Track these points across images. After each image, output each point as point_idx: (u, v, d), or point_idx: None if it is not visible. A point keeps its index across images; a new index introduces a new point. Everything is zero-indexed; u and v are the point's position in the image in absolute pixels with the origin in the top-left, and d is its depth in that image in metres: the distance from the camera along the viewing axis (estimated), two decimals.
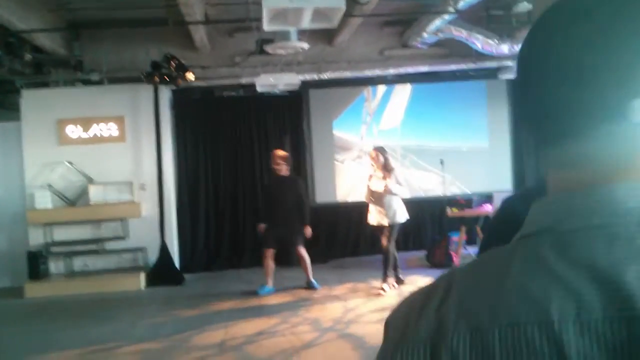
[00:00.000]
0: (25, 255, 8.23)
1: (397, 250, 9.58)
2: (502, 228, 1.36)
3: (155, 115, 8.50)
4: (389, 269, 7.03)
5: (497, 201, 8.32)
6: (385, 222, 6.94)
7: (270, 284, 7.40)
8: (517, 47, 8.00)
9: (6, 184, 8.83)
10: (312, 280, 7.47)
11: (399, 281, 7.30)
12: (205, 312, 6.73)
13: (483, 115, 10.13)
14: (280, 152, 7.58)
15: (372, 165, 7.07)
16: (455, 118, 9.96)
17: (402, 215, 7.01)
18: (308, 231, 7.36)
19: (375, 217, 7.05)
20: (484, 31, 8.06)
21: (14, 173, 8.70)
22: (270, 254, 7.32)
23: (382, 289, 6.98)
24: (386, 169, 6.98)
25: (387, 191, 6.85)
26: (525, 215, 1.33)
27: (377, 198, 6.97)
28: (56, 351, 5.53)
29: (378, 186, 6.94)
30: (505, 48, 8.28)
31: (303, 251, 7.37)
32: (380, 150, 7.12)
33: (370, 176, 7.10)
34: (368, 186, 7.11)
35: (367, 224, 7.26)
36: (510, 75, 8.76)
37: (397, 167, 7.30)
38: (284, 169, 7.41)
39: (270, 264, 7.36)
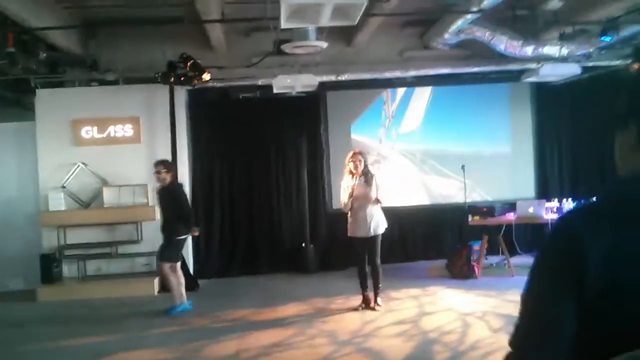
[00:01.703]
0: (38, 258, 8.12)
1: (411, 260, 9.39)
2: (561, 253, 1.13)
3: (171, 116, 8.35)
4: (380, 282, 6.64)
5: (520, 209, 8.05)
6: (369, 234, 6.48)
7: (180, 301, 6.91)
8: (542, 49, 7.83)
9: (20, 185, 8.76)
10: (175, 305, 6.85)
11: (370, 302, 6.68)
12: (219, 320, 6.55)
13: (506, 119, 9.87)
14: (160, 160, 7.10)
15: (352, 170, 6.48)
16: (476, 122, 9.73)
17: (383, 226, 6.59)
18: (194, 233, 7.18)
19: (357, 228, 6.54)
20: (508, 32, 7.79)
21: (28, 174, 8.61)
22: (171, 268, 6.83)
23: (377, 304, 6.63)
24: (366, 175, 6.53)
25: (375, 200, 6.42)
26: (589, 238, 1.08)
27: (359, 207, 6.49)
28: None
29: (361, 193, 6.47)
30: (529, 50, 8.00)
31: (166, 268, 6.80)
32: (361, 154, 6.61)
33: (354, 184, 6.46)
34: (349, 193, 6.48)
35: (347, 237, 6.70)
36: (534, 78, 8.46)
37: (376, 173, 6.75)
38: (166, 178, 6.89)
39: (173, 279, 6.85)
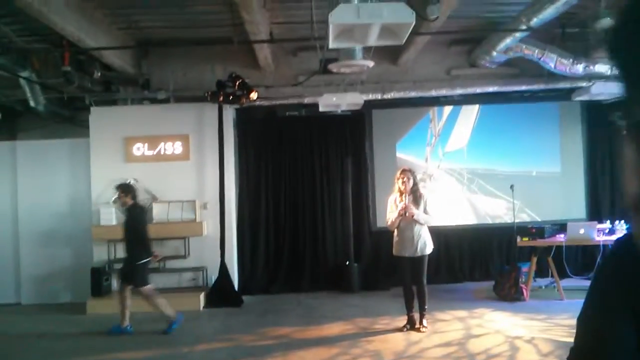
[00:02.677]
0: (89, 271, 8.33)
1: (457, 281, 9.21)
2: (618, 280, 1.10)
3: (219, 134, 8.51)
4: (426, 303, 6.55)
5: (571, 231, 7.83)
6: (416, 254, 6.39)
7: (124, 324, 6.90)
8: (593, 67, 7.67)
9: (73, 200, 9.01)
10: (121, 325, 6.86)
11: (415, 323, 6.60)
12: (263, 338, 6.56)
13: (555, 138, 9.67)
14: (118, 185, 7.10)
15: (401, 187, 6.39)
16: (525, 141, 9.56)
17: (430, 246, 6.47)
18: (155, 258, 7.02)
19: (403, 247, 6.45)
20: (558, 50, 7.67)
21: (82, 189, 8.87)
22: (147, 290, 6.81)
23: (423, 325, 6.54)
24: (415, 194, 6.46)
25: (416, 219, 6.32)
26: None
27: (406, 226, 6.41)
28: None
29: (402, 213, 6.37)
30: (580, 68, 7.84)
31: (147, 290, 6.80)
32: (410, 171, 6.51)
33: (399, 200, 6.42)
34: (398, 212, 6.40)
35: (392, 256, 6.63)
36: (585, 97, 8.28)
37: (427, 194, 6.66)
38: (126, 202, 6.87)
39: (157, 300, 6.84)
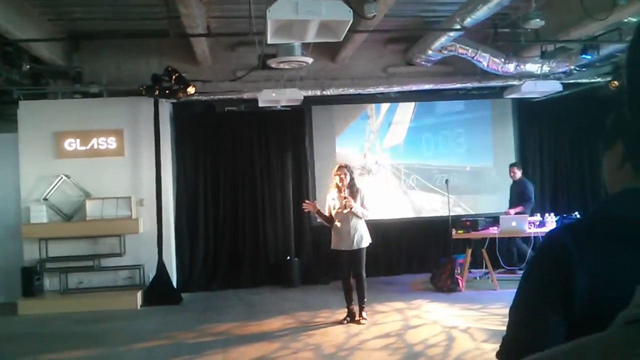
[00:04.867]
0: (19, 271, 8.01)
1: (395, 273, 9.39)
2: (550, 268, 1.15)
3: (155, 129, 8.33)
4: (365, 296, 6.65)
5: (503, 223, 8.11)
6: (352, 247, 6.49)
7: None
8: (524, 66, 7.97)
9: (1, 197, 8.63)
10: None
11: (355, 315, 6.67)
12: (203, 334, 6.50)
13: (488, 134, 10.00)
14: None
15: (338, 184, 6.50)
16: (459, 137, 9.84)
17: (367, 240, 6.59)
18: None
19: (341, 241, 6.56)
20: (490, 49, 7.92)
21: (9, 186, 8.50)
22: None
23: (363, 317, 6.63)
24: (352, 188, 6.57)
25: (354, 212, 6.41)
26: (576, 255, 1.11)
27: (342, 220, 6.52)
28: None
29: (342, 207, 6.47)
30: (511, 67, 8.14)
31: None
32: (347, 167, 6.62)
33: (337, 196, 6.52)
34: (329, 207, 6.60)
35: (331, 250, 6.72)
36: (516, 95, 8.60)
37: (363, 188, 6.77)
38: None
39: None
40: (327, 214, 6.68)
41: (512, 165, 9.01)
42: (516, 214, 8.52)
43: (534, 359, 0.66)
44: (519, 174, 8.96)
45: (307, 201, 6.92)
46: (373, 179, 9.65)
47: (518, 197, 8.87)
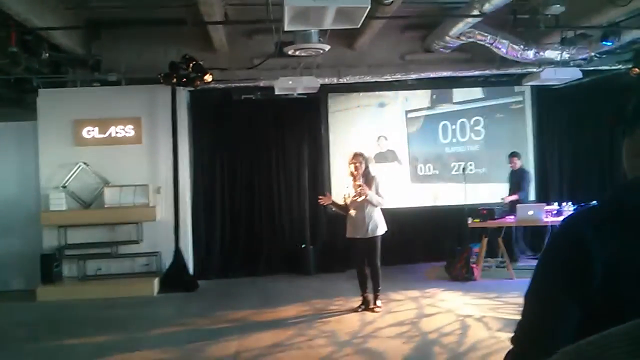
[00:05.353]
0: (38, 258, 8.12)
1: (410, 262, 9.38)
2: (566, 254, 1.14)
3: (173, 117, 8.39)
4: (379, 284, 6.68)
5: (520, 212, 8.04)
6: (367, 235, 6.49)
7: None
8: (543, 53, 7.86)
9: (21, 184, 8.75)
10: None
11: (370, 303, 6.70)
12: (219, 321, 6.55)
13: (506, 122, 9.90)
14: None
15: (353, 172, 6.52)
16: (477, 125, 9.76)
17: (383, 228, 6.58)
18: None
19: (355, 229, 6.56)
20: (510, 36, 7.82)
21: (29, 173, 8.61)
22: None
23: (377, 305, 6.65)
24: (367, 177, 6.56)
25: (368, 200, 6.42)
26: (592, 243, 1.10)
27: (357, 208, 6.52)
28: None
29: (357, 195, 6.47)
30: (530, 54, 8.04)
31: None
32: (362, 156, 6.62)
33: (352, 184, 6.55)
34: (345, 196, 6.62)
35: (347, 238, 6.71)
36: (535, 82, 8.49)
37: (378, 176, 6.74)
38: None
39: None
40: (342, 203, 6.68)
41: (512, 155, 8.96)
42: (511, 202, 8.50)
43: (562, 353, 0.70)
44: (519, 163, 8.95)
45: (321, 197, 6.90)
46: (389, 167, 9.61)
47: (516, 185, 8.84)
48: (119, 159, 8.51)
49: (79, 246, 8.35)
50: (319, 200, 6.85)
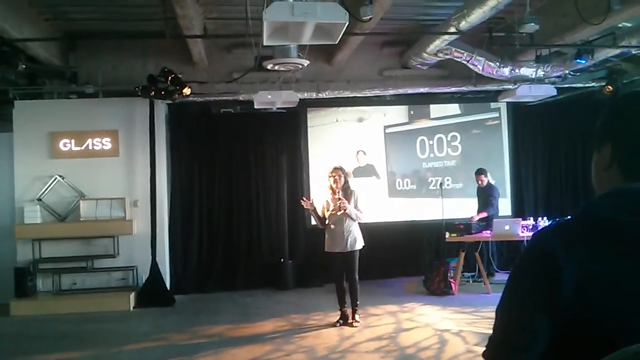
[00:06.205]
0: (12, 271, 7.98)
1: (389, 277, 9.38)
2: (536, 269, 1.15)
3: (150, 130, 8.33)
4: (358, 299, 6.66)
5: (496, 227, 8.12)
6: (346, 249, 6.49)
7: None
8: (519, 70, 8.00)
9: None
10: None
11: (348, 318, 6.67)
12: (196, 336, 6.48)
13: (482, 138, 10.03)
14: None
15: (332, 186, 6.52)
16: (453, 140, 9.86)
17: (360, 242, 6.59)
18: None
19: (334, 243, 6.57)
20: (485, 53, 7.94)
21: (4, 186, 8.48)
22: None
23: (355, 320, 6.63)
24: (346, 191, 6.58)
25: (347, 214, 6.43)
26: (563, 257, 1.12)
27: (336, 223, 6.53)
28: None
29: (336, 209, 6.49)
30: (506, 71, 8.17)
31: None
32: (341, 169, 6.65)
33: (331, 198, 6.56)
34: (323, 208, 6.61)
35: (325, 252, 6.69)
36: (510, 99, 8.62)
37: (357, 190, 6.75)
38: None
39: None
40: (321, 214, 6.69)
41: (478, 173, 8.96)
42: (479, 219, 8.56)
43: None
44: (486, 180, 9.00)
45: (304, 199, 6.89)
46: (367, 181, 9.65)
47: (484, 202, 8.89)
48: (95, 172, 8.42)
49: (54, 260, 8.22)
50: (302, 202, 6.79)
